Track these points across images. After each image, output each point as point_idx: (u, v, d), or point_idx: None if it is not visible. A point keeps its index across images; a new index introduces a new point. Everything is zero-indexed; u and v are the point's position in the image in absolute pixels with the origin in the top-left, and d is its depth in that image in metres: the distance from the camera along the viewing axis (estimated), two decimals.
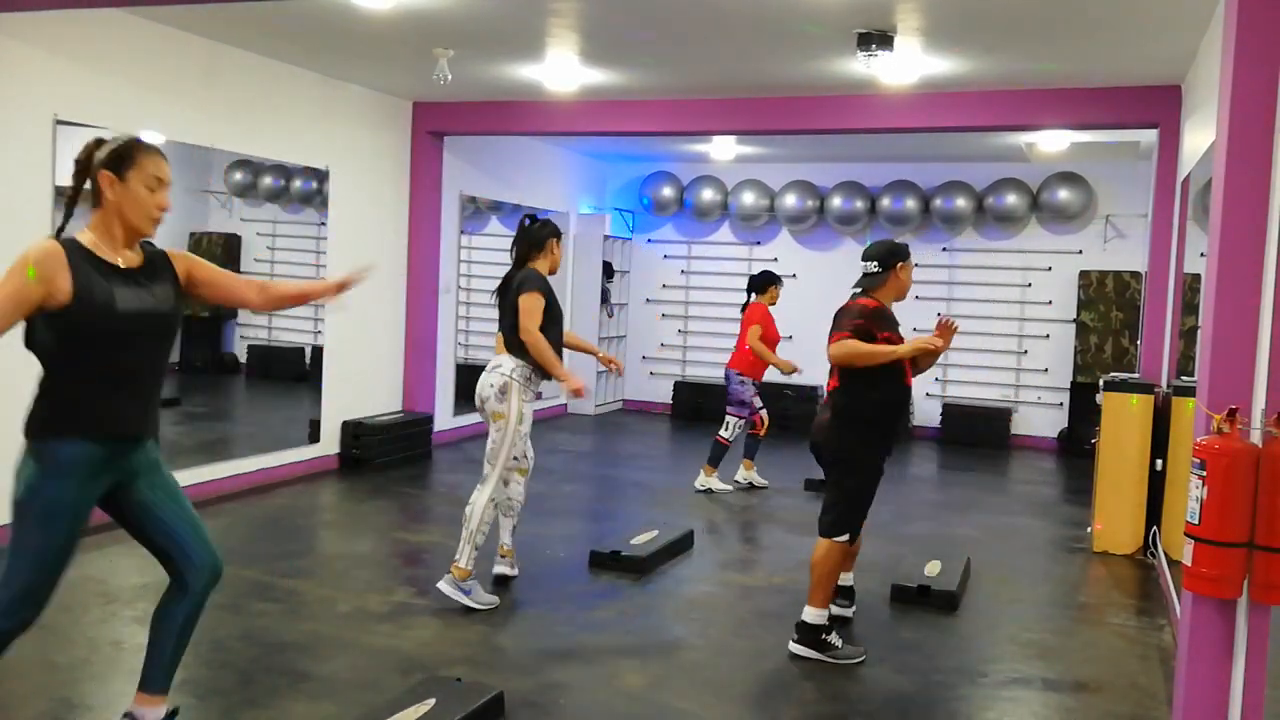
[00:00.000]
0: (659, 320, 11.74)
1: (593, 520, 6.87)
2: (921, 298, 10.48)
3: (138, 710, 3.08)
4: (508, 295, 4.89)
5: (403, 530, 6.43)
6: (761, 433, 7.62)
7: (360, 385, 8.13)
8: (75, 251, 2.81)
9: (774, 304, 7.56)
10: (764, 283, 7.59)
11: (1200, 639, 3.17)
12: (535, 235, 4.94)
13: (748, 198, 10.96)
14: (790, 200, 10.76)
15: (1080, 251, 10.09)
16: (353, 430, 7.88)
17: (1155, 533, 6.00)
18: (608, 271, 11.35)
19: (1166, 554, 5.49)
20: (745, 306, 7.57)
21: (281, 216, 8.12)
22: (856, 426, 4.26)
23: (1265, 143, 3.11)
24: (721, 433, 7.47)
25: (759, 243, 11.29)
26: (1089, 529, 6.35)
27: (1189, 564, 3.03)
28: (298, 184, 7.94)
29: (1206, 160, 4.54)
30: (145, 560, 5.39)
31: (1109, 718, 3.86)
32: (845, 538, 4.28)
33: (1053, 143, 8.52)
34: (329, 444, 7.84)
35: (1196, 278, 5.26)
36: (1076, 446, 9.28)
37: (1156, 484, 6.01)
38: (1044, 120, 7.17)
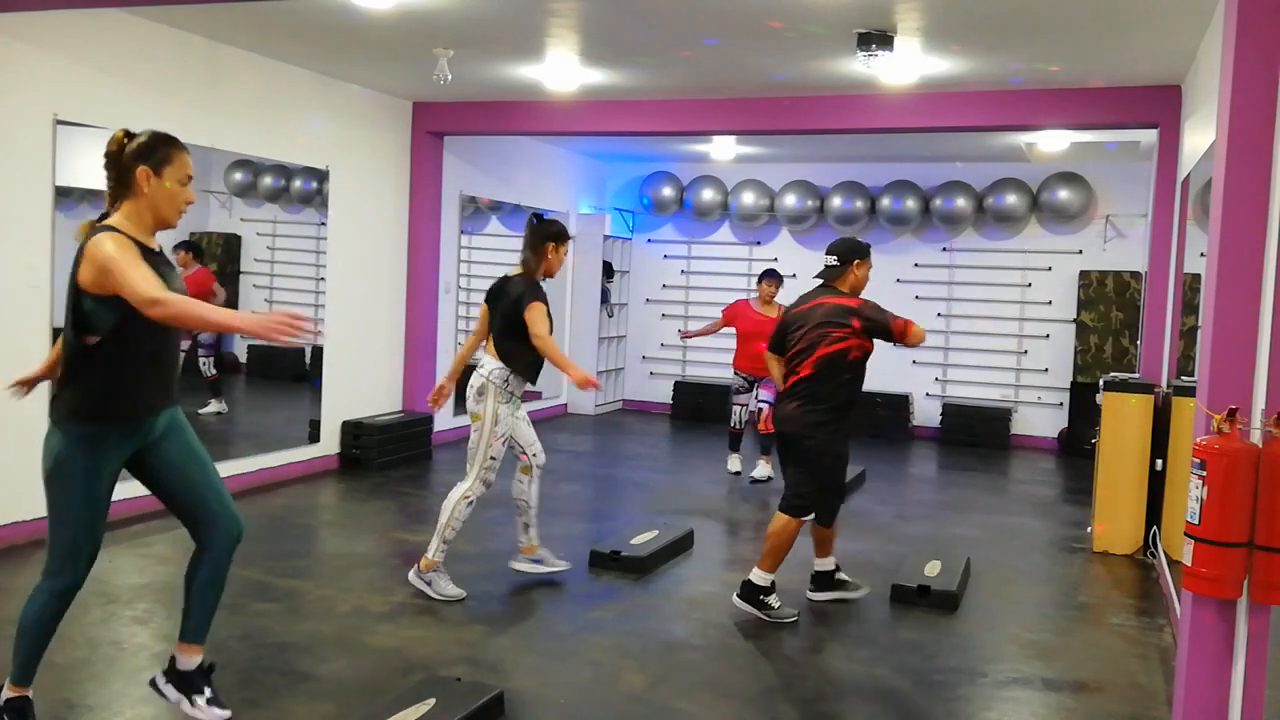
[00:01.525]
0: (659, 320, 11.75)
1: (593, 520, 6.86)
2: (922, 298, 10.50)
3: (178, 656, 3.35)
4: (501, 300, 4.89)
5: (403, 530, 6.42)
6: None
7: (360, 385, 8.13)
8: (133, 239, 2.99)
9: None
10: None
11: (1200, 639, 3.16)
12: (530, 236, 4.95)
13: (748, 198, 10.96)
14: (790, 200, 10.76)
15: (1080, 251, 10.09)
16: (352, 430, 7.88)
17: (1155, 533, 5.99)
18: (608, 271, 11.35)
19: (1166, 554, 5.49)
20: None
21: (281, 216, 8.12)
22: (832, 412, 4.67)
23: (1265, 143, 3.11)
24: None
25: (759, 243, 11.29)
26: (1089, 529, 6.35)
27: (1189, 564, 3.02)
28: (298, 184, 7.94)
29: (1206, 160, 4.54)
30: (145, 560, 5.39)
31: (1109, 718, 3.86)
32: (810, 516, 4.78)
33: (1053, 143, 8.52)
34: (329, 444, 7.84)
35: (1196, 278, 5.25)
36: (1076, 446, 9.28)
37: (1156, 484, 6.01)
38: (1044, 120, 7.17)
